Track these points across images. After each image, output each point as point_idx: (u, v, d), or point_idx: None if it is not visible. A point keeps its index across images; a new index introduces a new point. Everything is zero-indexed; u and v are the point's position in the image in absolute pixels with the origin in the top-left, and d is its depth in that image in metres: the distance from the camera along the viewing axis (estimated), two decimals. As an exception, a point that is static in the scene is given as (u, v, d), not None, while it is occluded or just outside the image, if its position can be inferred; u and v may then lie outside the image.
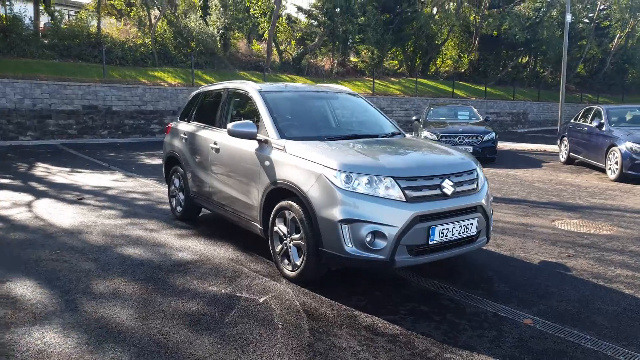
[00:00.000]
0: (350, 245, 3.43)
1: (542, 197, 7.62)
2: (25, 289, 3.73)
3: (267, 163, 4.13)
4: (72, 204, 6.82)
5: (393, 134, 4.82)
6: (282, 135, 4.21)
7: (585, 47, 39.27)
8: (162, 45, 24.14)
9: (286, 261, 4.01)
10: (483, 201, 3.91)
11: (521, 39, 32.47)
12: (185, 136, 5.68)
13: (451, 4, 32.11)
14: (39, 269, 4.18)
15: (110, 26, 25.43)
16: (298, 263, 3.83)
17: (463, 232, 3.73)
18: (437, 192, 3.63)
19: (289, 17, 31.49)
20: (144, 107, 19.40)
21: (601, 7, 38.17)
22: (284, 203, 3.93)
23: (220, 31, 25.98)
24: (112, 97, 18.83)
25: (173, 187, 6.10)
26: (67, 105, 17.20)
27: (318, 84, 5.74)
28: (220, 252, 4.71)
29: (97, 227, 5.55)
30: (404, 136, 4.89)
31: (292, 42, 29.67)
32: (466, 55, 37.17)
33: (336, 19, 26.27)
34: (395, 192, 3.47)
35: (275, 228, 4.06)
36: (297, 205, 3.78)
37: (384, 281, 4.01)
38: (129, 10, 25.21)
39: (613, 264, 4.42)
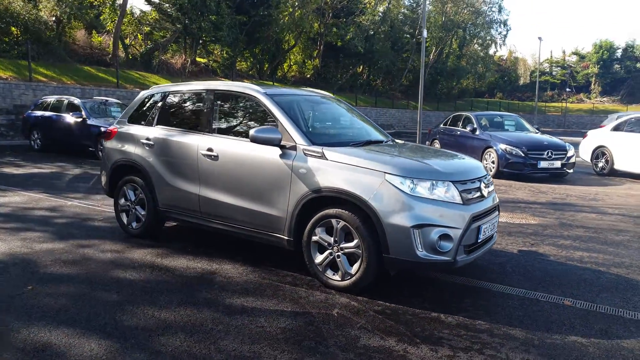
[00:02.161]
0: (421, 249, 3.52)
1: (455, 194, 8.56)
2: (44, 335, 2.97)
3: (302, 171, 3.94)
4: (-33, 226, 5.48)
5: (392, 140, 4.99)
6: (312, 141, 4.07)
7: (408, 60, 44.27)
8: (-25, 29, 20.30)
9: (330, 271, 3.90)
10: (498, 201, 4.35)
11: (361, 49, 35.26)
12: (150, 142, 5.03)
13: (297, 10, 33.31)
14: (31, 310, 3.34)
15: None
16: (352, 272, 3.76)
17: (491, 230, 4.11)
18: (479, 193, 3.93)
19: (131, 10, 29.11)
20: (-34, 104, 16.08)
21: (421, 24, 43.39)
22: (330, 211, 3.82)
23: (55, 19, 22.88)
24: None
25: (124, 201, 5.33)
26: None
27: (302, 88, 5.59)
28: (228, 268, 4.33)
29: (43, 255, 4.60)
30: (395, 141, 5.10)
31: (139, 36, 27.58)
32: (311, 62, 39.00)
33: (190, 15, 25.19)
34: (455, 195, 3.67)
35: (315, 238, 3.92)
36: (349, 213, 3.72)
37: (414, 280, 4.17)
38: None
39: (569, 248, 5.28)
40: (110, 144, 5.48)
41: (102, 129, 12.30)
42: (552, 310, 3.60)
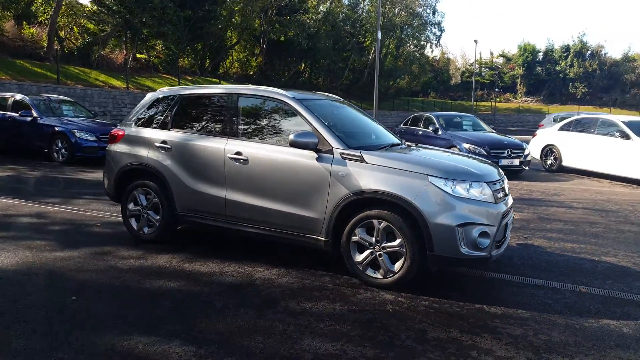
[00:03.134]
0: (464, 247, 3.79)
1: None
2: (123, 345, 2.92)
3: (341, 174, 4.09)
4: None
5: (404, 143, 5.24)
6: (347, 144, 4.23)
7: (349, 59, 45.01)
8: None
9: (370, 270, 4.08)
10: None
11: (305, 47, 35.46)
12: (167, 145, 4.95)
13: (239, 6, 32.91)
14: (93, 321, 3.27)
15: None
16: (394, 269, 3.97)
17: (511, 226, 4.47)
18: (503, 192, 4.27)
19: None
20: None
21: (361, 24, 44.31)
22: (371, 212, 4.00)
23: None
24: None
25: (133, 206, 5.21)
26: None
27: (316, 93, 5.66)
28: (261, 270, 4.39)
29: (62, 264, 4.44)
30: (407, 144, 5.36)
31: (75, 29, 26.11)
32: (254, 59, 38.68)
33: (133, 9, 24.18)
34: (489, 195, 3.98)
35: (356, 238, 4.09)
36: (392, 214, 3.92)
37: (436, 275, 4.45)
38: None
39: (559, 240, 5.79)
40: (117, 147, 5.32)
41: (57, 129, 11.67)
42: (574, 298, 4.00)
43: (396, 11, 45.93)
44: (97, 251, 4.83)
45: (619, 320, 3.57)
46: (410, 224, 3.88)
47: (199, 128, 4.94)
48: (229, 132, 4.71)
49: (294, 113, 4.50)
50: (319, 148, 4.23)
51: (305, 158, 4.26)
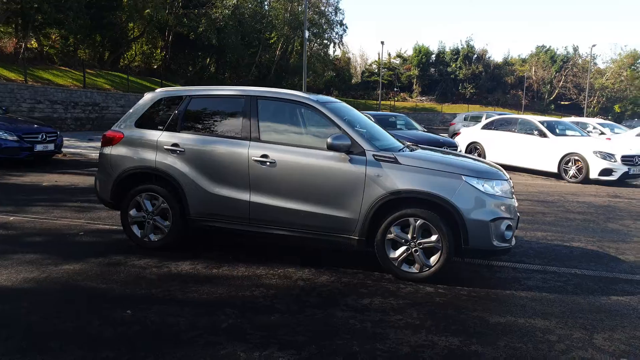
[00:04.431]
0: (494, 240, 4.19)
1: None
2: (228, 354, 2.86)
3: (377, 175, 4.28)
4: None
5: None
6: (377, 147, 4.42)
7: (256, 55, 44.69)
8: None
9: (405, 265, 4.33)
10: (507, 194, 5.25)
11: (215, 42, 34.61)
12: (180, 148, 4.75)
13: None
14: (186, 335, 3.11)
15: None
16: (430, 263, 4.25)
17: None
18: (513, 189, 4.75)
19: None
20: None
21: (268, 20, 44.21)
22: (408, 211, 4.24)
23: None
24: None
25: (136, 212, 4.94)
26: None
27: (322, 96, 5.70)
28: (293, 271, 4.45)
29: (80, 278, 4.16)
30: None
31: (-46, 13, 22.92)
32: (159, 52, 36.92)
33: (27, -5, 21.85)
34: (509, 191, 4.42)
35: (391, 236, 4.31)
36: (428, 212, 4.20)
37: (462, 266, 4.84)
38: None
39: (527, 230, 6.49)
40: (115, 151, 4.98)
41: (-32, 128, 10.34)
42: (576, 279, 4.59)
43: (300, 9, 46.48)
44: (108, 261, 4.52)
45: (624, 296, 4.19)
46: (446, 221, 4.18)
47: (215, 130, 4.81)
48: (250, 135, 4.65)
49: (318, 116, 4.59)
50: (350, 150, 4.37)
51: (336, 160, 4.38)
